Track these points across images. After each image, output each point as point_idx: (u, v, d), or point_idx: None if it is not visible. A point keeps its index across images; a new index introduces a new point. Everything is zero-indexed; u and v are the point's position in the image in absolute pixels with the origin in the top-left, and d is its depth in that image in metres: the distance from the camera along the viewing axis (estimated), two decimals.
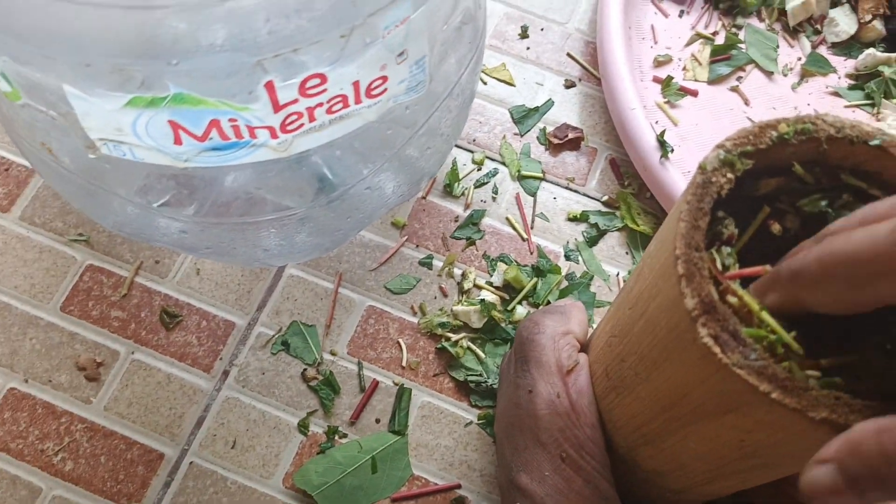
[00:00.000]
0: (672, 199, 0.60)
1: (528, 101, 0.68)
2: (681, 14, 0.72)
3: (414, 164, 0.55)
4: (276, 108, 0.37)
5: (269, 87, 0.36)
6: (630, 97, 0.63)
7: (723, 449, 0.36)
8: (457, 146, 0.66)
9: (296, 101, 0.38)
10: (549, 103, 0.68)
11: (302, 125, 0.40)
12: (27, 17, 0.31)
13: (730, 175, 0.33)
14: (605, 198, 0.65)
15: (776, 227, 0.35)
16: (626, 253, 0.63)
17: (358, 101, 0.41)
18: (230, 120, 0.38)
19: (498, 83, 0.69)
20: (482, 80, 0.69)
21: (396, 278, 0.60)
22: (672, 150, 0.61)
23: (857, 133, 0.33)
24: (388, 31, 0.37)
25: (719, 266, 0.32)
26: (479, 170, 0.65)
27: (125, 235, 0.52)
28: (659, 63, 0.69)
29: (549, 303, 0.60)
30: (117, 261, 0.60)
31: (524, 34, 0.71)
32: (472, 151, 0.66)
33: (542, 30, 0.71)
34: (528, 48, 0.71)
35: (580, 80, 0.70)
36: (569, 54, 0.71)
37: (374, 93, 0.41)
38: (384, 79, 0.40)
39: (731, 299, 0.31)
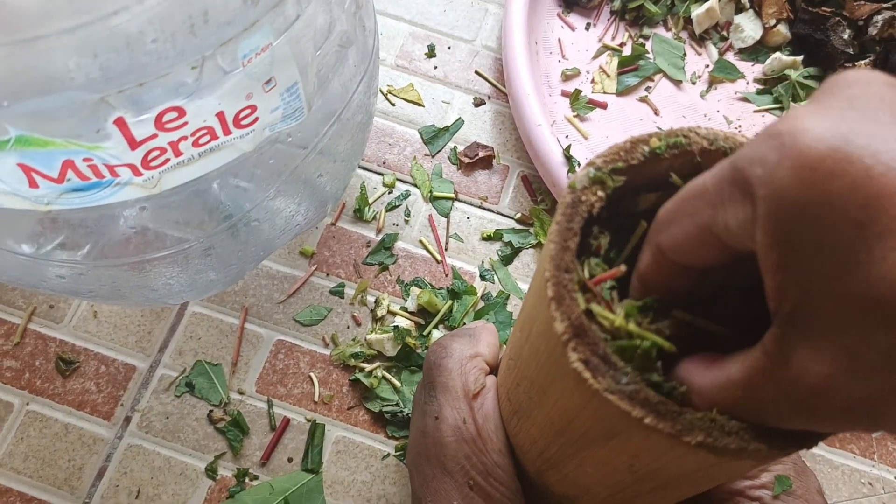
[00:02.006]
0: None
1: (438, 120, 0.67)
2: (587, 27, 0.71)
3: (313, 187, 0.53)
4: (133, 144, 0.35)
5: (120, 123, 0.34)
6: (535, 113, 0.62)
7: (616, 474, 0.35)
8: (366, 169, 0.65)
9: (154, 136, 0.36)
10: (459, 122, 0.68)
11: (167, 160, 0.38)
12: None
13: (600, 193, 0.32)
14: (518, 215, 0.64)
15: None
16: None
17: (227, 133, 0.39)
18: (85, 160, 0.36)
19: (406, 104, 0.68)
20: (390, 102, 0.68)
21: (306, 309, 0.59)
22: (579, 165, 0.60)
23: (730, 144, 0.33)
24: (248, 59, 0.36)
25: (587, 275, 0.31)
26: (390, 192, 0.64)
27: (11, 284, 0.50)
28: (567, 77, 0.68)
29: (464, 325, 0.59)
30: (8, 307, 0.57)
31: (431, 53, 0.70)
32: (382, 174, 0.65)
33: (448, 48, 0.71)
34: (435, 67, 0.70)
35: (489, 97, 0.69)
36: (477, 72, 0.70)
37: (243, 123, 0.39)
38: (252, 108, 0.39)
39: (600, 315, 0.30)
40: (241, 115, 0.38)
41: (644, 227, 0.34)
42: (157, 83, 0.33)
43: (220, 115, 0.37)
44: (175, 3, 0.29)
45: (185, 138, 0.37)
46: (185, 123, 0.36)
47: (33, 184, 0.36)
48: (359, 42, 0.47)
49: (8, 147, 0.34)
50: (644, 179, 0.33)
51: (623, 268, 0.31)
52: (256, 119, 0.39)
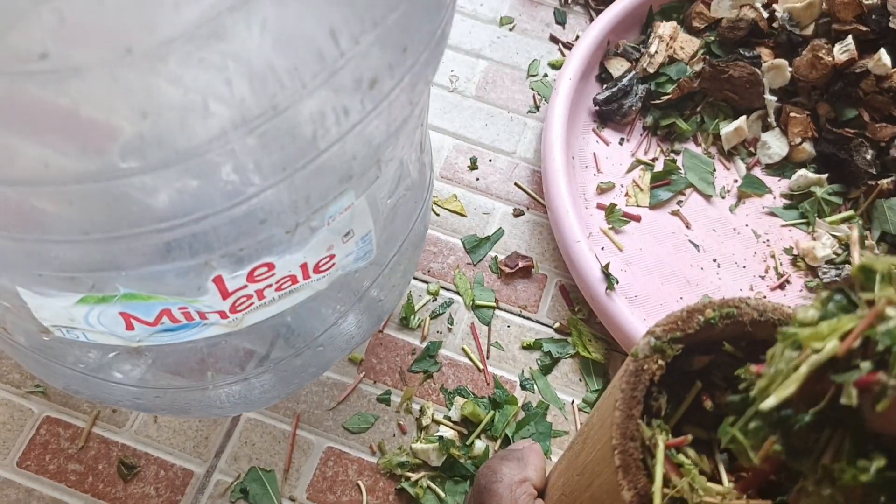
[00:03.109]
0: (619, 328, 0.62)
1: (479, 230, 0.71)
2: (621, 142, 0.75)
3: (374, 306, 0.56)
4: (225, 295, 0.39)
5: (218, 280, 0.37)
6: (574, 229, 0.65)
7: None
8: (413, 278, 0.68)
9: (244, 286, 0.39)
10: (500, 232, 0.71)
11: (252, 304, 0.41)
12: None
13: (661, 362, 0.35)
14: (557, 324, 0.67)
15: (708, 404, 0.36)
16: (580, 380, 0.64)
17: (307, 278, 0.42)
18: (180, 308, 0.39)
19: (450, 214, 0.72)
20: (434, 212, 0.71)
21: (354, 417, 0.61)
22: (617, 282, 0.63)
23: (778, 316, 0.35)
24: (333, 219, 0.39)
25: (648, 439, 0.34)
26: (434, 300, 0.67)
27: (78, 396, 0.53)
28: (602, 190, 0.72)
29: (506, 436, 0.61)
30: (74, 411, 0.60)
31: (473, 165, 0.74)
32: (427, 282, 0.68)
33: (490, 160, 0.75)
34: (477, 178, 0.74)
35: (528, 208, 0.72)
36: (516, 184, 0.74)
37: (322, 269, 0.42)
38: (331, 256, 0.42)
39: (676, 482, 0.32)
40: (321, 263, 0.42)
41: (699, 386, 0.37)
42: (254, 246, 0.37)
43: (304, 266, 0.41)
44: (284, 191, 0.32)
45: (270, 286, 0.41)
46: (273, 275, 0.40)
47: (130, 327, 0.40)
48: (423, 180, 0.51)
49: (114, 301, 0.37)
50: (698, 342, 0.36)
51: (689, 437, 0.33)
52: (333, 265, 0.43)
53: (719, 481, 0.34)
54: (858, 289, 0.24)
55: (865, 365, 0.21)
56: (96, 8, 0.24)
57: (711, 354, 0.37)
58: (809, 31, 0.75)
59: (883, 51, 0.72)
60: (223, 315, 0.41)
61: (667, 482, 0.33)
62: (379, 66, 0.31)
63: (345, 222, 0.40)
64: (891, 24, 0.73)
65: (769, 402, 0.23)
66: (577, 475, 0.41)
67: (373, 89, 0.32)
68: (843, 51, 0.73)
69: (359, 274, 0.48)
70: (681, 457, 0.34)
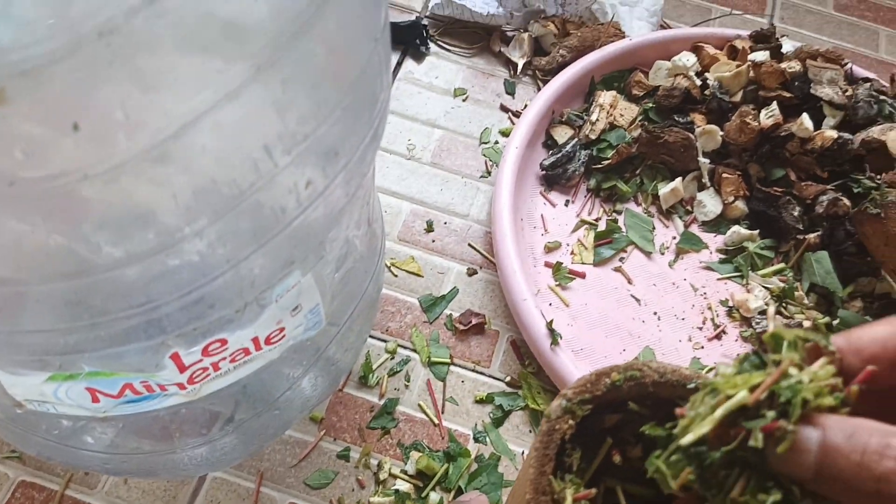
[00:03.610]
0: (563, 380, 0.66)
1: (435, 289, 0.75)
2: (567, 203, 0.80)
3: (331, 366, 0.60)
4: (182, 370, 0.43)
5: (175, 357, 0.41)
6: (521, 288, 0.70)
7: None
8: (371, 336, 0.72)
9: (200, 360, 0.43)
10: (455, 291, 0.75)
11: (209, 375, 0.45)
12: None
13: (571, 422, 0.39)
14: (508, 378, 0.71)
15: (616, 458, 0.41)
16: (530, 431, 0.68)
17: (258, 349, 0.46)
18: (142, 382, 0.43)
19: (407, 274, 0.76)
20: (392, 273, 0.76)
21: (315, 473, 0.65)
22: (561, 337, 0.68)
23: (677, 378, 0.40)
24: (280, 297, 0.43)
25: (557, 493, 0.38)
26: (392, 358, 0.71)
27: (51, 462, 0.56)
28: (549, 249, 0.77)
29: (459, 488, 0.65)
30: (48, 475, 0.63)
31: (430, 228, 0.79)
32: (385, 341, 0.72)
33: (445, 223, 0.79)
34: (433, 240, 0.78)
35: (481, 267, 0.77)
36: (470, 244, 0.78)
37: (272, 341, 0.46)
38: (281, 329, 0.46)
39: None
40: (272, 335, 0.46)
41: (609, 442, 0.41)
42: (207, 326, 0.41)
43: (255, 339, 0.45)
44: (231, 280, 0.36)
45: (224, 359, 0.45)
46: (226, 348, 0.44)
47: (96, 400, 0.43)
48: (371, 251, 0.55)
49: (80, 378, 0.41)
50: (607, 402, 0.41)
51: (593, 491, 0.37)
52: (284, 336, 0.47)
53: None
54: (770, 352, 0.28)
55: (770, 414, 0.25)
56: (60, 136, 0.28)
57: (620, 413, 0.41)
58: (738, 97, 0.82)
59: (805, 115, 0.78)
60: (182, 386, 0.44)
61: None
62: (312, 171, 0.36)
63: (292, 299, 0.45)
64: (812, 91, 0.79)
65: (688, 438, 0.28)
66: None
67: (307, 189, 0.36)
68: (769, 116, 0.79)
69: (310, 342, 0.52)
70: None
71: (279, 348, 0.48)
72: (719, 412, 0.26)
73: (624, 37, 0.89)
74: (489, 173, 0.83)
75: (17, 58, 0.24)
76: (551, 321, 0.68)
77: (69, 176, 0.28)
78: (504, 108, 0.88)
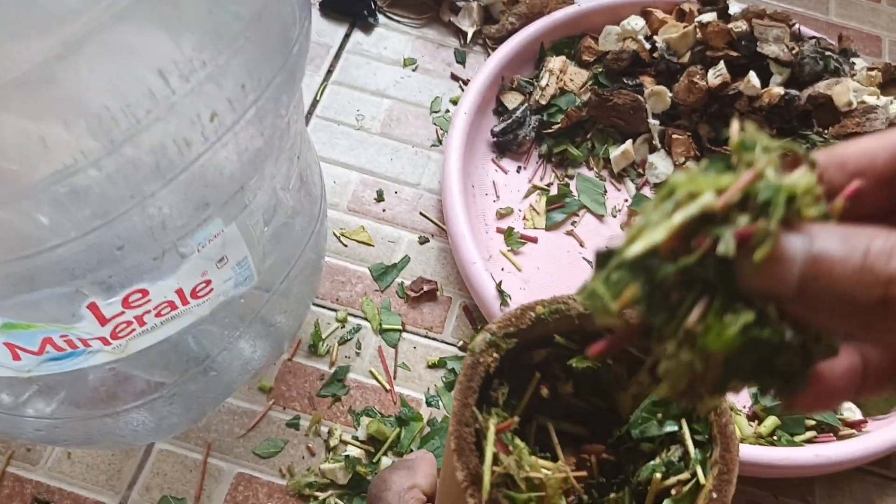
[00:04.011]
0: None
1: (386, 258, 0.75)
2: (518, 170, 0.80)
3: (271, 327, 0.59)
4: (103, 322, 0.42)
5: (93, 307, 0.40)
6: (471, 252, 0.69)
7: None
8: (321, 306, 0.71)
9: (122, 313, 0.42)
10: (406, 259, 0.75)
11: (133, 331, 0.44)
12: None
13: (495, 354, 0.39)
14: (461, 343, 0.70)
15: (544, 391, 0.40)
16: None
17: (185, 304, 0.45)
18: (62, 336, 0.42)
19: (357, 244, 0.75)
20: (342, 243, 0.75)
21: (264, 442, 0.64)
22: (511, 298, 0.67)
23: None
24: (203, 246, 0.43)
25: (487, 426, 0.37)
26: (342, 327, 0.70)
27: None
28: (501, 215, 0.76)
29: (412, 451, 0.64)
30: None
31: (380, 198, 0.78)
32: (335, 310, 0.71)
33: (395, 192, 0.79)
34: (384, 210, 0.77)
35: (433, 235, 0.76)
36: (421, 213, 0.78)
37: (199, 294, 0.46)
38: (208, 282, 0.45)
39: (504, 459, 0.36)
40: (198, 288, 0.45)
41: (538, 377, 0.40)
42: (124, 273, 0.40)
43: (179, 291, 0.44)
44: (137, 219, 0.35)
45: (148, 312, 0.44)
46: (149, 301, 0.43)
47: (16, 357, 0.42)
48: (305, 210, 0.54)
49: None
50: (535, 337, 0.40)
51: (515, 420, 0.37)
52: (211, 290, 0.46)
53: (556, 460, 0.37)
54: (739, 157, 0.22)
55: (744, 219, 0.20)
56: None
57: (548, 348, 0.40)
58: (686, 59, 0.81)
59: (752, 73, 0.78)
60: (105, 341, 0.43)
61: (498, 462, 0.36)
62: (218, 103, 0.35)
63: (216, 249, 0.44)
64: (758, 49, 0.79)
65: (635, 248, 0.21)
66: (441, 471, 0.44)
67: (213, 122, 0.35)
68: (717, 75, 0.79)
69: (244, 300, 0.51)
70: (517, 440, 0.37)
71: (208, 304, 0.47)
72: (679, 216, 0.21)
73: (572, 3, 0.88)
74: (440, 142, 0.83)
75: None
76: (500, 283, 0.67)
77: None
78: (454, 77, 0.87)
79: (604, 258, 0.23)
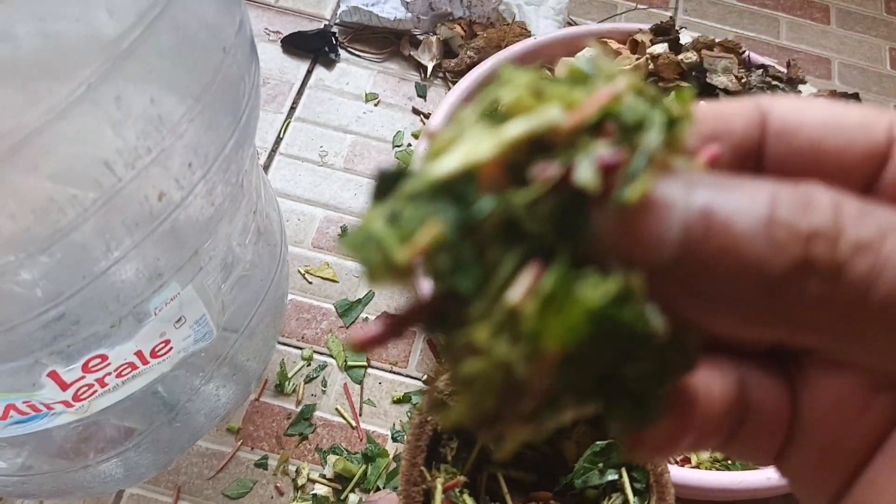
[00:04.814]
0: None
1: (351, 294, 0.76)
2: None
3: (237, 372, 0.60)
4: (64, 387, 0.43)
5: (53, 375, 0.42)
6: None
7: None
8: (286, 345, 0.72)
9: (82, 377, 0.43)
10: (371, 294, 0.76)
11: (95, 392, 0.45)
12: None
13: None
14: (425, 377, 0.72)
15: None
16: None
17: (145, 363, 0.47)
18: (24, 401, 0.43)
19: (322, 281, 0.77)
20: (307, 280, 0.76)
21: (233, 484, 0.65)
22: None
23: None
24: (159, 309, 0.44)
25: (434, 485, 0.39)
26: (308, 365, 0.72)
27: None
28: None
29: (378, 488, 0.65)
30: None
31: (344, 233, 0.79)
32: (300, 348, 0.73)
33: None
34: None
35: None
36: None
37: (159, 354, 0.47)
38: (166, 342, 0.47)
39: None
40: (157, 348, 0.46)
41: None
42: (82, 342, 0.41)
43: (139, 353, 0.45)
44: (91, 296, 0.37)
45: (109, 374, 0.45)
46: (109, 364, 0.44)
47: None
48: (264, 261, 0.56)
49: None
50: None
51: (461, 479, 0.39)
52: (171, 349, 0.47)
53: None
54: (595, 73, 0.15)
55: (603, 146, 0.14)
56: None
57: None
58: None
59: (703, 104, 0.80)
60: (68, 404, 0.45)
61: None
62: (163, 182, 0.37)
63: (173, 311, 0.45)
64: (707, 80, 0.82)
65: (447, 164, 0.14)
66: None
67: (161, 201, 0.37)
68: None
69: (203, 352, 0.52)
70: (465, 497, 0.39)
71: (169, 361, 0.48)
72: (512, 130, 0.14)
73: (529, 36, 0.90)
74: None
75: None
76: None
77: None
78: (416, 111, 0.89)
79: (388, 181, 0.15)
